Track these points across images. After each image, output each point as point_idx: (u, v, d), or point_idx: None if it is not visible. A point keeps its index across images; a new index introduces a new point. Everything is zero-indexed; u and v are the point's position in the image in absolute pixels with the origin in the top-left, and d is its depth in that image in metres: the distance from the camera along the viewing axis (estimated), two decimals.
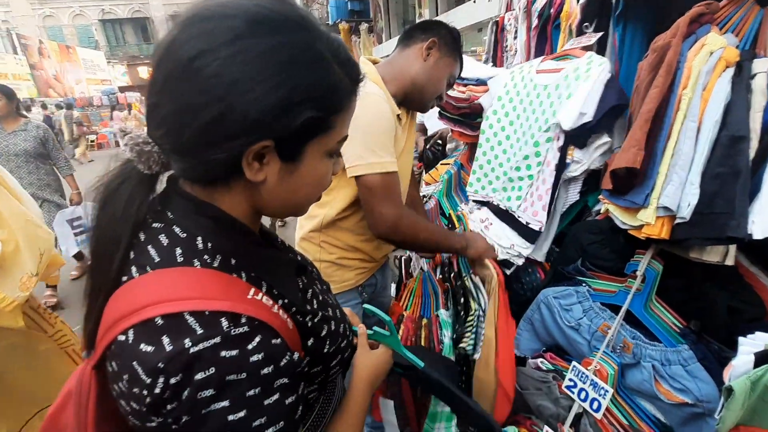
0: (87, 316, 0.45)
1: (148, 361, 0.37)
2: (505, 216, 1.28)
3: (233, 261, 0.45)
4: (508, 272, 1.23)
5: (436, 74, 1.21)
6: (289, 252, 0.61)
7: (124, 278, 0.42)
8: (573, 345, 1.05)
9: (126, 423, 0.43)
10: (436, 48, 1.19)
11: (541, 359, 1.13)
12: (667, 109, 0.78)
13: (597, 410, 0.95)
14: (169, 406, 0.37)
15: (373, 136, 1.04)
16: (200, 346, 0.36)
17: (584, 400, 0.97)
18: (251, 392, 0.38)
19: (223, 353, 0.37)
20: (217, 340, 0.37)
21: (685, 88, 0.77)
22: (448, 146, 2.07)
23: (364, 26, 6.62)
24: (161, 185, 0.48)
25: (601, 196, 1.01)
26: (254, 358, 0.38)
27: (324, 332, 0.52)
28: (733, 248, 0.76)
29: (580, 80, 1.06)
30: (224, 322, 0.38)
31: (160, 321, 0.37)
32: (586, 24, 1.22)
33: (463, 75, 1.45)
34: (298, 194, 0.48)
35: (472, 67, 1.51)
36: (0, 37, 16.85)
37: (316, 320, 0.52)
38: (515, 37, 1.66)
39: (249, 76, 0.39)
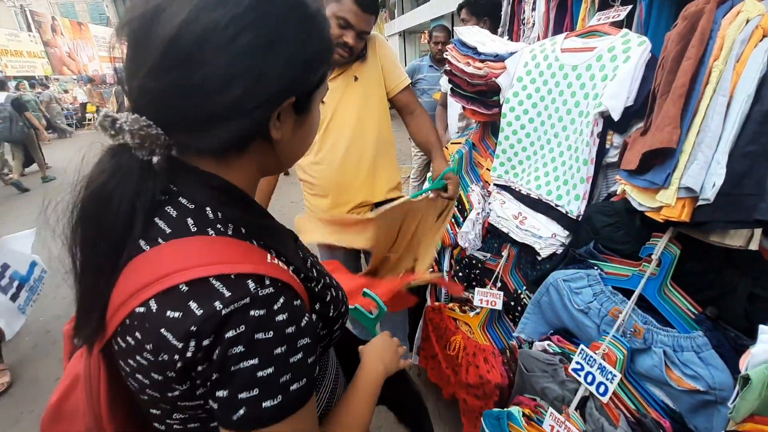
0: (84, 306, 0.44)
1: (178, 326, 0.37)
2: (539, 205, 1.22)
3: (243, 230, 0.45)
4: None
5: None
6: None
7: (133, 254, 0.41)
8: (581, 329, 1.02)
9: (135, 403, 0.45)
10: (324, 3, 1.22)
11: (548, 342, 1.11)
12: (696, 82, 0.73)
13: (603, 394, 0.93)
14: (199, 368, 0.38)
15: None
16: (231, 307, 0.38)
17: (591, 384, 0.96)
18: (278, 350, 0.40)
19: (252, 312, 0.38)
20: (247, 300, 0.38)
21: (717, 59, 0.71)
22: (459, 124, 2.01)
23: None
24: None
25: (617, 177, 0.96)
26: (279, 317, 0.40)
27: (328, 297, 0.54)
28: (758, 232, 0.72)
29: (618, 61, 1.01)
30: (251, 284, 0.39)
31: (184, 287, 0.38)
32: None
33: (480, 50, 1.40)
34: (305, 143, 0.53)
35: (489, 41, 1.44)
36: (14, 14, 16.86)
37: (319, 286, 0.52)
38: (533, 9, 1.58)
39: (281, 37, 0.40)
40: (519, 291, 1.30)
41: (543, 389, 1.07)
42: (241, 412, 0.39)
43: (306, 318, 0.43)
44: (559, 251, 1.15)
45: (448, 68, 1.51)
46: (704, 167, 0.71)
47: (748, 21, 0.70)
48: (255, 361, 0.38)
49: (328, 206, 1.45)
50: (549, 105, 1.20)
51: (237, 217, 0.45)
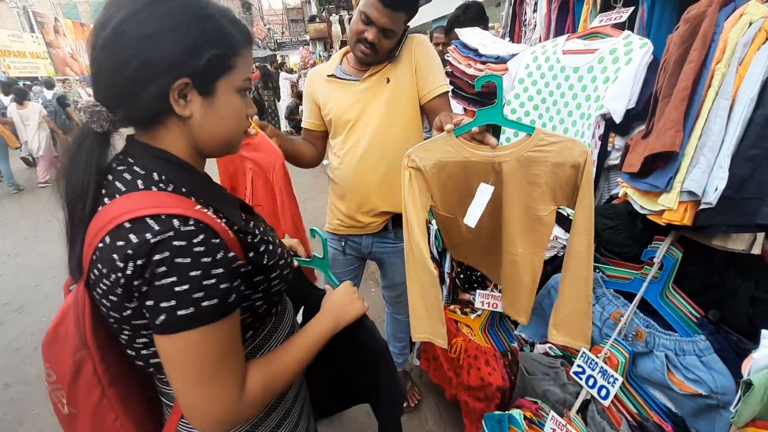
0: (71, 249, 0.58)
1: (121, 251, 0.50)
2: None
3: (183, 189, 0.57)
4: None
5: (354, 19, 1.24)
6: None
7: (99, 208, 0.55)
8: None
9: (111, 329, 0.58)
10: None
11: (549, 345, 1.11)
12: (698, 85, 0.73)
13: (605, 398, 0.93)
14: (135, 283, 0.50)
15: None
16: (158, 237, 0.49)
17: (592, 387, 0.95)
18: (193, 273, 0.50)
19: (174, 242, 0.49)
20: (171, 233, 0.50)
21: (719, 62, 0.71)
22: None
23: None
24: (122, 143, 0.61)
25: (619, 179, 0.96)
26: (197, 249, 0.51)
27: (262, 248, 0.65)
28: (760, 236, 0.72)
29: (620, 63, 1.00)
30: (176, 222, 0.51)
31: (127, 224, 0.50)
32: None
33: (481, 51, 1.39)
34: (222, 126, 0.60)
35: (490, 42, 1.43)
36: (17, 15, 16.92)
37: (255, 240, 0.64)
38: (534, 11, 1.58)
39: (162, 30, 0.52)
40: None
41: (544, 392, 1.07)
42: (162, 317, 0.50)
43: (221, 253, 0.53)
44: (561, 254, 1.15)
45: (449, 70, 1.51)
46: (706, 171, 0.71)
47: (750, 24, 0.69)
48: (174, 279, 0.49)
49: (345, 208, 1.41)
50: (550, 107, 1.20)
51: (178, 180, 0.57)
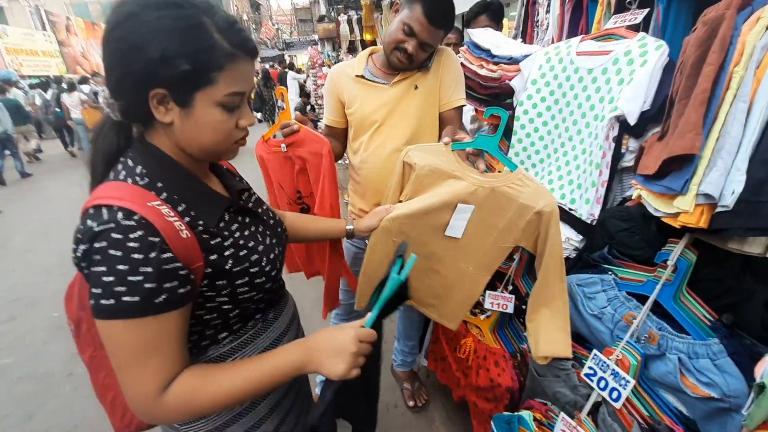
0: None
1: (76, 234, 0.56)
2: None
3: (159, 184, 0.61)
4: None
5: (391, 27, 1.27)
6: (238, 197, 0.76)
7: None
8: (594, 334, 1.02)
9: None
10: (400, 8, 1.26)
11: None
12: (716, 88, 0.72)
13: (616, 400, 0.93)
14: (82, 264, 0.56)
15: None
16: (101, 227, 0.53)
17: (603, 389, 0.95)
18: (120, 266, 0.52)
19: (113, 234, 0.53)
20: (112, 225, 0.53)
21: (737, 65, 0.70)
22: (471, 126, 2.00)
23: (386, 1, 6.43)
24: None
25: (633, 181, 0.96)
26: (130, 244, 0.53)
27: (228, 253, 0.65)
28: None
29: (635, 65, 1.00)
30: (120, 215, 0.54)
31: (91, 210, 0.56)
32: (630, 0, 1.14)
33: (494, 52, 1.40)
34: (201, 137, 0.62)
35: (503, 43, 1.43)
36: (29, 14, 17.14)
37: (224, 243, 0.65)
38: (547, 11, 1.57)
39: (142, 40, 0.54)
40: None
41: (555, 394, 1.07)
42: (92, 302, 0.54)
43: (154, 253, 0.54)
44: (572, 256, 1.15)
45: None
46: (724, 174, 0.70)
47: (767, 28, 0.69)
48: (104, 268, 0.53)
49: (366, 206, 1.43)
50: (563, 108, 1.20)
51: (157, 175, 0.61)
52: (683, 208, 0.75)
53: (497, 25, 2.07)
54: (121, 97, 0.60)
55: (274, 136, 1.31)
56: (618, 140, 1.05)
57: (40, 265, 3.52)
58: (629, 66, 1.02)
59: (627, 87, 1.01)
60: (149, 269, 0.53)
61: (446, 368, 1.56)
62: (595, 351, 0.98)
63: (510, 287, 1.36)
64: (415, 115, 1.34)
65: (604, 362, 0.95)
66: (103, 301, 0.53)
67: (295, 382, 0.84)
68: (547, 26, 1.56)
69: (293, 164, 1.33)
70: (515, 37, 1.81)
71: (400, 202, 1.17)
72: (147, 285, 0.53)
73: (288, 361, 0.64)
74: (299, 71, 9.89)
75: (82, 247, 0.55)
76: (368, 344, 0.66)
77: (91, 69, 17.01)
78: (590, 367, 0.98)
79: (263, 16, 32.42)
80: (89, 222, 0.54)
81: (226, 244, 0.65)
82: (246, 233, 0.71)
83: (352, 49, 7.66)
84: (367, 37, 7.26)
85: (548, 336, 1.05)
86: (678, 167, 0.77)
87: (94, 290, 0.53)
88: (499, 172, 1.38)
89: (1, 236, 4.31)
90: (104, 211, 0.54)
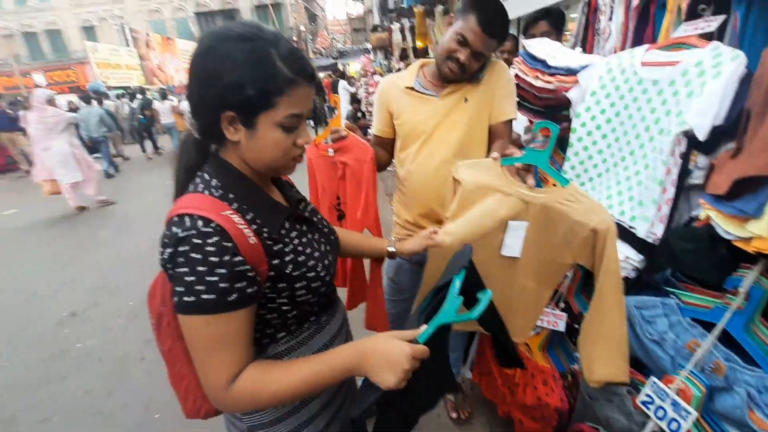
0: None
1: (165, 238, 0.62)
2: None
3: (231, 195, 0.68)
4: None
5: (445, 38, 1.28)
6: (296, 206, 0.81)
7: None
8: (653, 359, 0.97)
9: None
10: (454, 20, 1.29)
11: None
12: None
13: None
14: (168, 265, 0.62)
15: None
16: (184, 233, 0.60)
17: (662, 419, 0.90)
18: (200, 268, 0.59)
19: (193, 240, 0.60)
20: (193, 231, 0.60)
21: None
22: (524, 137, 1.96)
23: (439, 8, 6.44)
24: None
25: (702, 200, 0.90)
26: (208, 248, 0.60)
27: (288, 258, 0.71)
28: None
29: (706, 77, 0.94)
30: (200, 222, 0.61)
31: (175, 218, 0.63)
32: (703, 6, 1.07)
33: (550, 63, 1.37)
34: (263, 154, 0.68)
35: (560, 53, 1.40)
36: (117, 32, 19.19)
37: (285, 249, 0.71)
38: (610, 19, 1.51)
39: (216, 69, 0.62)
40: (584, 313, 1.25)
41: (607, 419, 1.03)
42: (176, 299, 0.61)
43: (228, 257, 0.61)
44: (631, 276, 1.09)
45: (515, 81, 1.50)
46: None
47: None
48: (186, 269, 0.60)
49: (411, 216, 1.45)
50: (625, 121, 1.15)
51: (228, 187, 0.68)
52: (757, 233, 0.70)
53: (558, 33, 1.99)
54: (199, 118, 0.69)
55: (325, 141, 1.39)
56: (685, 156, 0.99)
57: (120, 258, 3.93)
58: (700, 78, 0.96)
59: (697, 100, 0.96)
60: (223, 270, 0.60)
61: (491, 383, 1.54)
62: (653, 378, 0.93)
63: (562, 305, 1.32)
64: (463, 127, 1.34)
65: (664, 391, 0.90)
66: (185, 298, 0.60)
67: (345, 382, 0.88)
68: (609, 35, 1.50)
69: (337, 170, 1.39)
70: (573, 46, 1.75)
71: (446, 218, 1.16)
72: (221, 285, 0.60)
73: (342, 363, 0.67)
74: (350, 80, 10.21)
75: (168, 250, 0.61)
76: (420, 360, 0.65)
77: (166, 80, 18.69)
78: (648, 395, 0.93)
79: (319, 26, 33.71)
80: (174, 229, 0.61)
81: (287, 249, 0.71)
82: (304, 240, 0.76)
83: (404, 57, 7.75)
84: (419, 44, 7.31)
85: (603, 360, 0.99)
86: (752, 188, 0.73)
87: (177, 288, 0.61)
88: (553, 185, 1.35)
89: (89, 231, 4.86)
90: (186, 219, 0.62)
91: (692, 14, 1.17)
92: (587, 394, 1.09)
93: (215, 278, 0.60)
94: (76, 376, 2.34)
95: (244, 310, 0.64)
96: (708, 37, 1.07)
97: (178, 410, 0.83)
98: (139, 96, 11.01)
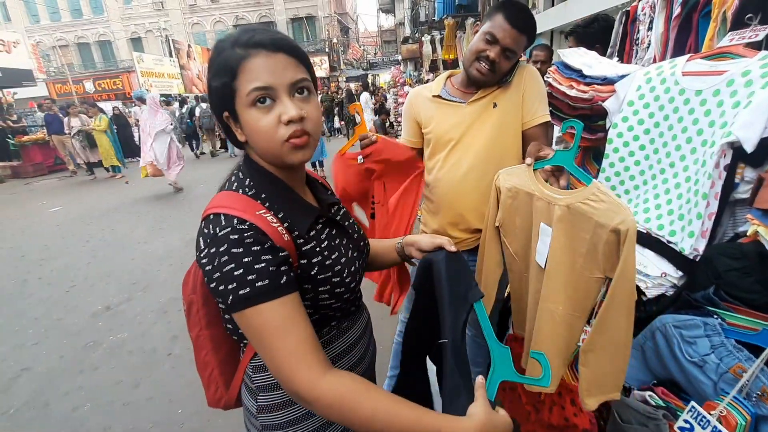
0: None
1: (203, 237, 0.64)
2: (647, 240, 1.10)
3: (263, 195, 0.69)
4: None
5: (473, 41, 1.28)
6: (328, 209, 0.81)
7: None
8: (693, 383, 0.91)
9: None
10: (480, 26, 1.29)
11: (649, 393, 1.00)
12: None
13: None
14: (207, 268, 0.62)
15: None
16: (222, 231, 0.61)
17: None
18: (246, 259, 0.60)
19: (231, 236, 0.61)
20: (229, 229, 0.61)
21: None
22: (557, 148, 1.92)
23: (470, 21, 6.46)
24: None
25: (749, 216, 0.85)
26: (248, 240, 0.61)
27: (316, 259, 0.70)
28: None
29: (754, 86, 0.90)
30: (235, 221, 0.62)
31: (211, 216, 0.64)
32: (750, 15, 1.03)
33: (586, 72, 1.34)
34: (258, 144, 0.68)
35: (596, 63, 1.38)
36: (160, 43, 20.31)
37: (316, 249, 0.71)
38: (649, 29, 1.47)
39: (210, 75, 0.67)
40: None
41: None
42: (231, 297, 0.60)
43: (269, 243, 0.62)
44: (669, 293, 1.04)
45: (549, 91, 1.48)
46: None
47: None
48: (233, 265, 0.60)
49: (439, 224, 1.44)
50: (665, 132, 1.11)
51: (260, 187, 0.70)
52: None
53: (600, 43, 1.90)
54: (220, 125, 0.73)
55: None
56: (731, 169, 0.94)
57: (154, 256, 4.10)
58: (747, 88, 0.92)
59: (744, 111, 0.91)
60: (269, 256, 0.61)
61: (515, 399, 1.49)
62: (693, 403, 0.87)
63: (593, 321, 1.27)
64: (492, 133, 1.32)
65: (705, 417, 0.84)
66: (241, 292, 0.59)
67: None
68: (648, 44, 1.46)
69: (368, 175, 1.40)
70: (611, 56, 1.71)
71: (497, 228, 1.18)
72: (271, 268, 0.60)
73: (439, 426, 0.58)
74: (377, 91, 10.46)
75: (206, 249, 0.62)
76: None
77: (204, 89, 19.56)
78: (686, 420, 0.87)
79: (351, 38, 34.49)
80: (211, 227, 0.63)
81: (316, 250, 0.71)
82: (333, 244, 0.75)
83: (433, 68, 7.80)
84: (444, 56, 7.35)
85: (599, 372, 0.95)
86: None
87: (229, 287, 0.59)
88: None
89: (127, 230, 5.09)
90: (222, 218, 0.63)
91: (738, 23, 1.12)
92: (619, 416, 1.03)
93: (263, 264, 0.60)
94: (107, 367, 2.44)
95: (296, 293, 0.63)
96: (756, 46, 1.03)
97: (200, 406, 0.86)
98: (188, 103, 12.19)
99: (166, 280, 3.53)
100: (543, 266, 1.04)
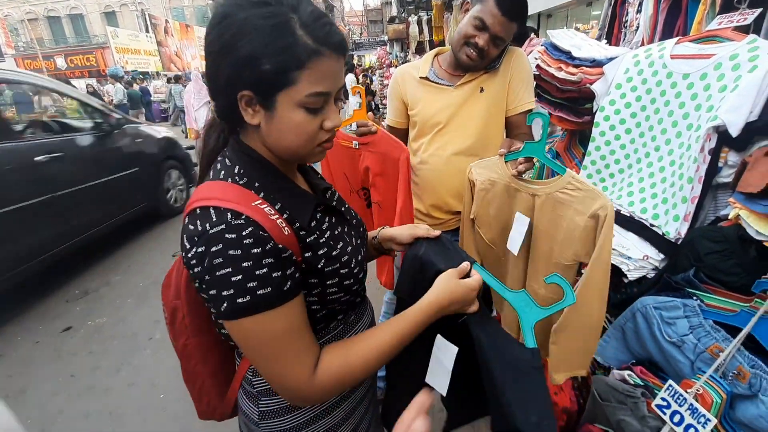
0: None
1: (188, 234, 0.55)
2: (630, 223, 1.11)
3: (256, 184, 0.61)
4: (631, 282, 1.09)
5: (461, 24, 1.24)
6: (323, 196, 0.74)
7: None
8: (671, 363, 0.94)
9: None
10: (470, 6, 1.25)
11: (628, 372, 1.03)
12: None
13: None
14: (196, 270, 0.55)
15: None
16: (214, 229, 0.53)
17: (678, 425, 0.87)
18: (245, 264, 0.52)
19: (226, 235, 0.53)
20: (223, 226, 0.53)
21: None
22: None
23: (458, 1, 6.35)
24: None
25: (731, 199, 0.86)
26: (246, 240, 0.53)
27: (321, 251, 0.64)
28: None
29: (741, 70, 0.90)
30: (229, 215, 0.54)
31: (198, 211, 0.56)
32: None
33: (575, 54, 1.33)
34: (285, 139, 0.60)
35: (585, 45, 1.36)
36: (136, 17, 19.39)
37: (320, 241, 0.64)
38: (638, 11, 1.46)
39: (231, 41, 0.53)
40: None
41: (619, 422, 1.00)
42: (225, 305, 0.53)
43: (271, 244, 0.54)
44: (651, 275, 1.05)
45: (537, 72, 1.46)
46: None
47: None
48: (229, 269, 0.52)
49: (423, 207, 1.43)
50: (651, 115, 1.11)
51: (254, 175, 0.61)
52: None
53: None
54: (216, 98, 0.60)
55: (348, 129, 1.36)
56: (715, 153, 0.95)
57: (135, 241, 3.98)
58: (734, 71, 0.92)
59: (730, 95, 0.91)
60: (271, 260, 0.54)
61: None
62: (670, 381, 0.90)
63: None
64: (479, 118, 1.30)
65: (681, 395, 0.87)
66: (239, 300, 0.52)
67: (369, 389, 0.82)
68: (637, 27, 1.45)
69: (360, 161, 1.37)
70: (599, 39, 1.70)
71: (471, 220, 1.17)
72: (274, 275, 0.54)
73: (425, 317, 0.66)
74: (364, 73, 10.24)
75: (195, 249, 0.54)
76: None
77: (182, 67, 18.84)
78: (663, 398, 0.90)
79: (336, 17, 33.59)
80: (200, 223, 0.54)
81: (320, 241, 0.64)
82: (335, 233, 0.69)
83: (420, 50, 7.68)
84: (435, 37, 7.23)
85: (569, 350, 0.99)
86: None
87: (224, 293, 0.53)
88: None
89: None
90: (212, 212, 0.54)
91: (727, 7, 1.12)
92: (598, 395, 1.06)
93: (265, 270, 0.53)
94: (85, 352, 2.38)
95: (299, 296, 0.59)
96: (744, 29, 1.03)
97: (183, 390, 0.81)
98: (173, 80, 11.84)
99: (146, 262, 3.45)
100: (516, 253, 1.05)
